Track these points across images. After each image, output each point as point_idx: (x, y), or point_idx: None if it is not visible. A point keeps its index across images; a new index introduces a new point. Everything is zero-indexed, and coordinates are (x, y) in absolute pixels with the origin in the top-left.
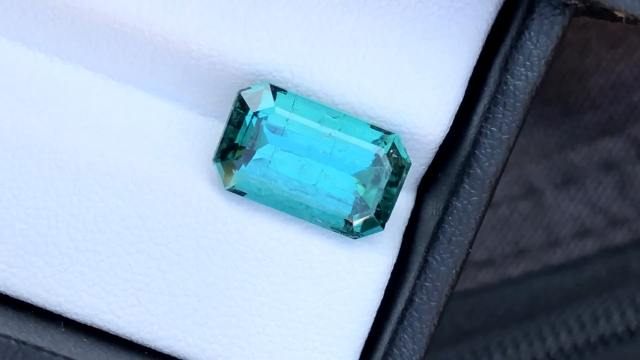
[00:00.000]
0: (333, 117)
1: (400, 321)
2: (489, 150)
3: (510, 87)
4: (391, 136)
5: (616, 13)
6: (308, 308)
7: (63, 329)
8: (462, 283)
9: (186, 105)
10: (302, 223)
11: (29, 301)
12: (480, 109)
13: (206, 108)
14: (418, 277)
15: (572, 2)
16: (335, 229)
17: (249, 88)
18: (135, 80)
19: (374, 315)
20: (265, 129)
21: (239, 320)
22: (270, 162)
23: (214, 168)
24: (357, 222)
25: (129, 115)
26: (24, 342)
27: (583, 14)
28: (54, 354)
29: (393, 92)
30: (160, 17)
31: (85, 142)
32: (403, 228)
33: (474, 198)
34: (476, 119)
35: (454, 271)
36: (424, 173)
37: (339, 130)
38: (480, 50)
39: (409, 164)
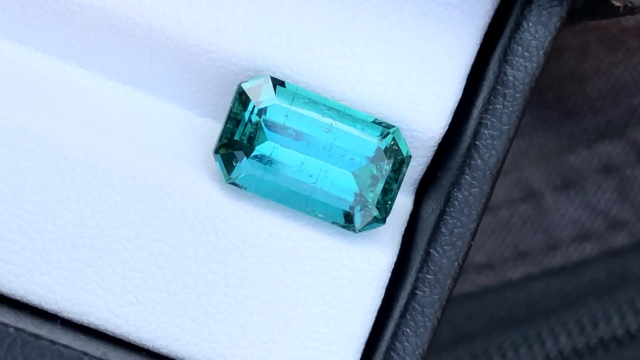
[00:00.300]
0: (333, 110)
1: (403, 315)
2: (490, 141)
3: (510, 77)
4: (392, 129)
5: (613, 2)
6: (308, 306)
7: (60, 327)
8: (462, 286)
9: (185, 105)
10: (302, 219)
11: (24, 299)
12: (480, 100)
13: (205, 107)
14: (420, 270)
15: None
16: (336, 223)
17: (249, 81)
18: (134, 79)
19: (375, 313)
20: (264, 126)
21: (239, 318)
22: (270, 159)
23: (214, 161)
24: (357, 216)
25: (128, 112)
26: (22, 330)
27: (580, 10)
28: (52, 342)
29: (392, 88)
30: (160, 12)
31: (83, 137)
32: (403, 228)
33: (475, 189)
34: (476, 111)
35: (456, 263)
36: (422, 173)
37: (340, 121)
38: (478, 46)
39: (410, 157)
